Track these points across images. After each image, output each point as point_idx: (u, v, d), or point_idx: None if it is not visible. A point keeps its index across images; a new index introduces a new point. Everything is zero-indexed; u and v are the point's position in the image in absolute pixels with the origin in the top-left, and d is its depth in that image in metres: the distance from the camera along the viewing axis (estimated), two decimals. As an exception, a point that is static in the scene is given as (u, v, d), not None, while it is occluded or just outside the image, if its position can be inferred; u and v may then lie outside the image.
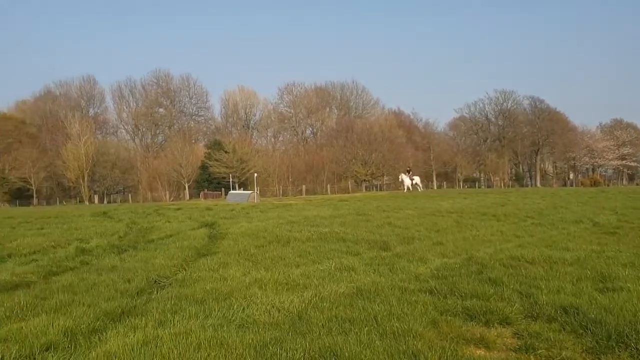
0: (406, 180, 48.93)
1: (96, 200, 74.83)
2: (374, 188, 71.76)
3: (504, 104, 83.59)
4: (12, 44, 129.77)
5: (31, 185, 75.79)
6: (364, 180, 70.80)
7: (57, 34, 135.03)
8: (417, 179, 50.50)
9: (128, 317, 4.69)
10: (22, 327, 4.26)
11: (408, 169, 53.35)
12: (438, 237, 10.02)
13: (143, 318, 4.55)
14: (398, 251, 8.32)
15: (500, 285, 5.63)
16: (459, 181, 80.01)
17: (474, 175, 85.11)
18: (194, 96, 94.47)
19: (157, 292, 5.80)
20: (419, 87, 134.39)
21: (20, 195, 75.86)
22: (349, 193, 55.58)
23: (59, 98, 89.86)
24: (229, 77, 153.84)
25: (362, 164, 71.04)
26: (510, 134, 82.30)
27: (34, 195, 76.51)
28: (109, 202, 74.43)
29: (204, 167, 71.27)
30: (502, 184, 76.56)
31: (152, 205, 36.87)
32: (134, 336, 3.97)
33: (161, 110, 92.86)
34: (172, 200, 62.67)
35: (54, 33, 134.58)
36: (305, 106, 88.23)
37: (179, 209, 24.94)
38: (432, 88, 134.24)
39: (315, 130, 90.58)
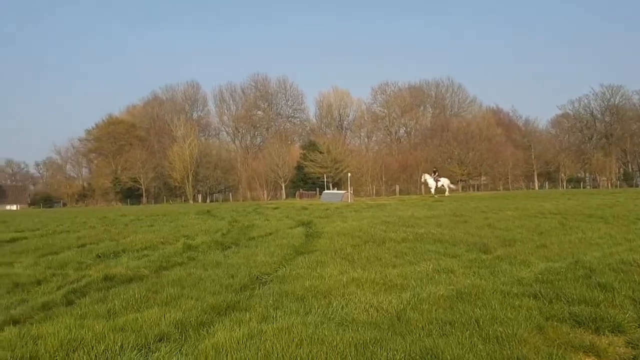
0: (430, 181, 43.14)
1: (199, 199, 78.51)
2: (471, 188, 69.75)
3: (611, 99, 78.10)
4: (124, 52, 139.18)
5: (141, 184, 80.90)
6: (460, 180, 68.92)
7: (164, 42, 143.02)
8: (444, 181, 44.62)
9: (233, 311, 4.89)
10: (138, 318, 4.56)
11: (434, 169, 47.86)
12: (541, 239, 9.58)
13: (247, 313, 4.73)
14: (499, 254, 8.05)
15: (610, 291, 5.30)
16: (562, 181, 75.72)
17: (579, 175, 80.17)
18: (290, 98, 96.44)
19: (259, 288, 6.01)
20: (518, 83, 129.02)
21: (131, 194, 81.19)
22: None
23: (166, 102, 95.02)
24: (324, 79, 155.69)
25: (458, 164, 69.29)
26: (619, 131, 76.78)
27: (143, 194, 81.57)
28: (211, 201, 77.77)
29: (299, 168, 72.57)
30: (609, 184, 71.61)
31: (251, 204, 38.13)
32: (239, 330, 4.14)
33: (259, 112, 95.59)
34: (270, 200, 64.46)
35: (162, 41, 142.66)
36: (399, 105, 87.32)
37: (276, 208, 25.58)
38: (532, 84, 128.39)
39: (409, 129, 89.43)
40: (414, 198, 36.36)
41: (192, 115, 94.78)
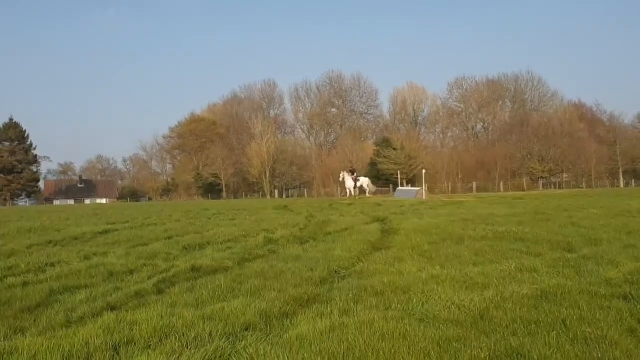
0: (349, 181, 40.32)
1: (276, 195, 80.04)
2: (552, 185, 66.90)
3: None
4: (205, 53, 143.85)
5: (221, 180, 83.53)
6: (541, 177, 66.26)
7: (244, 42, 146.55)
8: (363, 181, 41.82)
9: (314, 303, 4.99)
10: (224, 307, 4.75)
11: (352, 168, 44.30)
12: (630, 239, 9.08)
13: (328, 305, 4.82)
14: (584, 253, 7.72)
15: None
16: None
17: (668, 172, 75.04)
18: (364, 95, 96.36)
19: (338, 282, 6.09)
20: (602, 77, 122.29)
21: (212, 189, 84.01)
22: (523, 191, 52.41)
23: (244, 101, 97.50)
24: (398, 74, 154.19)
25: (538, 160, 66.66)
26: None
27: (223, 189, 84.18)
28: (286, 196, 79.03)
29: (372, 164, 72.36)
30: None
31: (326, 199, 38.45)
32: (321, 322, 4.23)
33: (333, 109, 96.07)
34: (343, 196, 64.73)
35: (242, 41, 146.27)
36: (476, 100, 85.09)
37: (350, 204, 25.70)
38: (616, 77, 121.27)
39: (486, 124, 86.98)
40: (492, 195, 35.35)
41: (269, 113, 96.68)
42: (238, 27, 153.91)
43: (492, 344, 3.67)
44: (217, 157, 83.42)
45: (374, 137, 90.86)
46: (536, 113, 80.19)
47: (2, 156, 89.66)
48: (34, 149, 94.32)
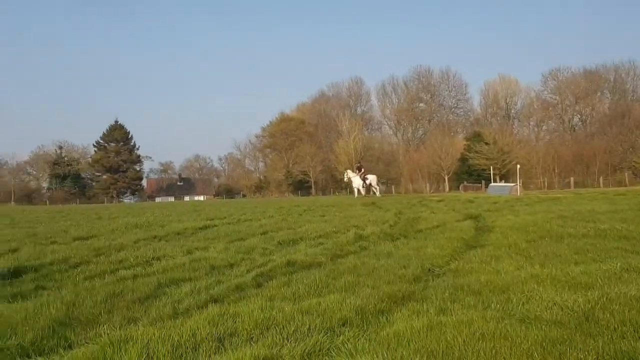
0: (355, 180, 37.22)
1: (363, 192, 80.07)
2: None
3: None
4: (293, 54, 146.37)
5: (310, 177, 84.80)
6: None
7: (332, 41, 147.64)
8: (372, 178, 38.52)
9: (409, 301, 4.98)
10: (320, 302, 4.85)
11: (358, 164, 40.23)
12: None
13: (424, 304, 4.79)
14: (700, 253, 7.16)
15: None
16: None
17: None
18: (453, 89, 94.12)
19: (433, 280, 6.04)
20: None
21: (302, 186, 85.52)
22: (625, 186, 48.99)
23: (332, 99, 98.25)
24: (489, 67, 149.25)
25: (642, 154, 62.14)
26: None
27: (312, 186, 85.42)
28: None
29: (463, 160, 70.57)
30: None
31: (414, 196, 37.97)
32: (418, 320, 4.22)
33: (421, 105, 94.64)
34: (432, 192, 63.56)
35: (329, 40, 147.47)
36: (573, 92, 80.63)
37: (440, 201, 25.22)
38: None
39: (584, 117, 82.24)
40: (591, 191, 33.42)
41: (356, 110, 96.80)
42: (325, 27, 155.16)
43: (600, 347, 3.51)
44: (306, 155, 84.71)
45: (465, 132, 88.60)
46: (639, 104, 74.78)
47: (109, 156, 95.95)
48: (138, 149, 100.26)
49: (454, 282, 5.74)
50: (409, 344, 3.70)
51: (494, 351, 3.53)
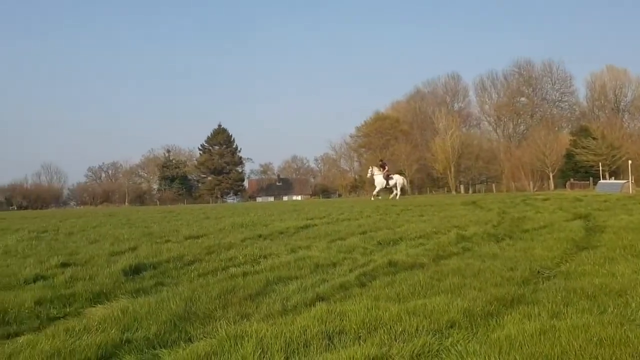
0: (378, 178, 34.24)
1: (462, 190, 78.18)
2: None
3: None
4: (387, 52, 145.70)
5: (406, 176, 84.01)
6: None
7: (427, 37, 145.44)
8: (397, 179, 35.24)
9: (518, 304, 4.84)
10: (426, 304, 4.83)
11: (381, 162, 36.42)
12: None
13: (535, 307, 4.64)
14: None
15: None
16: None
17: None
18: (557, 82, 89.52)
19: (542, 283, 5.82)
20: None
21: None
22: None
23: (427, 96, 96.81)
24: (595, 58, 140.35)
25: None
26: None
27: (408, 185, 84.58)
28: (473, 191, 76.77)
29: (568, 156, 67.04)
30: None
31: (517, 195, 36.53)
32: (529, 324, 4.10)
33: (523, 99, 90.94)
34: (536, 190, 60.83)
35: (424, 36, 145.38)
36: (693, 80, 73.99)
37: (546, 199, 24.11)
38: None
39: None
40: None
41: (453, 106, 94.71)
42: (420, 23, 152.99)
43: None
44: (401, 153, 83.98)
45: (570, 127, 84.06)
46: None
47: (213, 159, 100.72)
48: (239, 151, 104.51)
49: (566, 285, 5.51)
50: (521, 347, 3.61)
51: (613, 358, 3.37)
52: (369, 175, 37.42)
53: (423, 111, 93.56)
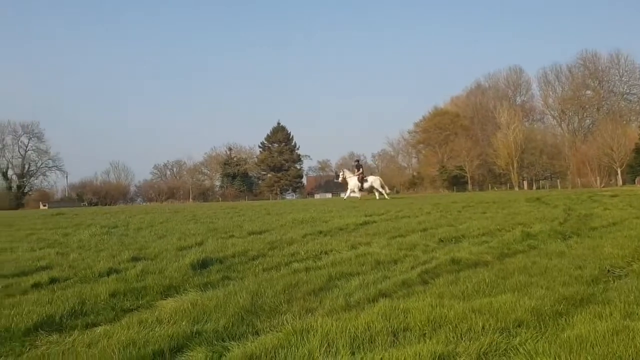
0: (351, 181, 32.55)
1: (525, 186, 76.01)
2: None
3: None
4: (445, 47, 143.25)
5: (466, 172, 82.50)
6: None
7: (485, 32, 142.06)
8: (373, 180, 33.21)
9: (588, 304, 4.70)
10: (492, 302, 4.76)
11: (356, 161, 34.85)
12: None
13: (606, 307, 4.50)
14: None
15: None
16: None
17: None
18: (625, 73, 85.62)
19: (613, 282, 5.63)
20: None
21: (457, 182, 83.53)
22: None
23: (488, 90, 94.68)
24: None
25: None
26: None
27: (469, 181, 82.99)
28: (537, 187, 74.54)
29: (638, 150, 64.05)
30: None
31: (583, 191, 35.23)
32: (601, 324, 3.99)
33: (588, 92, 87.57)
34: (603, 187, 58.37)
35: (483, 29, 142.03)
36: None
37: (614, 196, 23.15)
38: None
39: None
40: None
41: (515, 101, 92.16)
42: (479, 16, 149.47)
43: None
44: (461, 149, 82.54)
45: (639, 120, 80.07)
46: None
47: (273, 156, 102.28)
48: (298, 149, 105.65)
49: (639, 285, 5.31)
50: (592, 347, 3.53)
51: (693, 361, 3.24)
52: (340, 179, 35.58)
53: (484, 106, 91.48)
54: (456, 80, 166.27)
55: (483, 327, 4.08)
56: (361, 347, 3.80)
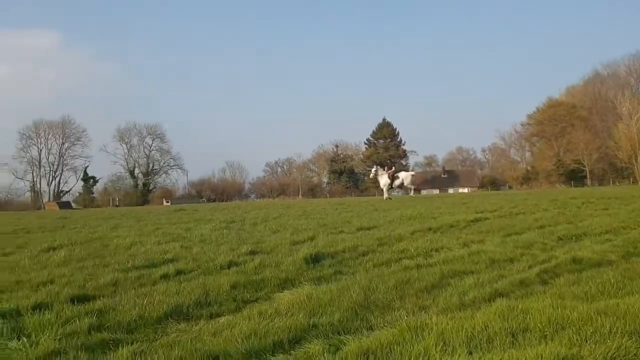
0: (382, 179, 30.79)
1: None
2: None
3: None
4: (557, 34, 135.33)
5: (584, 166, 77.51)
6: None
7: (602, 16, 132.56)
8: (404, 177, 31.41)
9: None
10: (618, 304, 4.48)
11: (389, 160, 29.91)
12: None
13: None
14: None
15: None
16: None
17: None
18: None
19: None
20: None
21: (574, 177, 78.76)
22: None
23: (607, 79, 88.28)
24: None
25: None
26: None
27: (587, 175, 77.91)
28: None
29: None
30: None
31: None
32: None
33: None
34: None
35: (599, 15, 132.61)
36: None
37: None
38: None
39: None
40: None
41: (638, 89, 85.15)
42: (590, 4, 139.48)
43: None
44: (579, 142, 77.69)
45: None
46: None
47: (378, 152, 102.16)
48: (404, 144, 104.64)
49: None
50: None
51: None
52: (372, 175, 34.61)
53: (603, 95, 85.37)
54: (570, 69, 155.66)
55: (610, 330, 3.87)
56: (478, 347, 3.74)
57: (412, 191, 34.22)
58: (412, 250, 8.20)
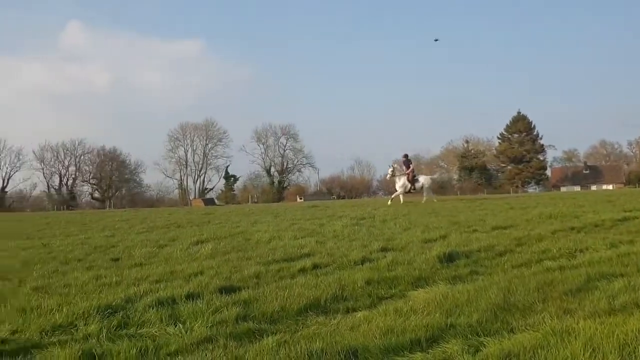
0: (399, 181, 26.95)
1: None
2: None
3: None
4: None
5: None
6: None
7: None
8: (423, 180, 27.36)
9: None
10: None
11: (405, 156, 26.88)
12: None
13: None
14: None
15: None
16: None
17: None
18: None
19: None
20: None
21: None
22: None
23: None
24: None
25: None
26: None
27: None
28: None
29: None
30: None
31: None
32: None
33: None
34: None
35: None
36: None
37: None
38: None
39: None
40: None
41: None
42: None
43: None
44: None
45: None
46: None
47: (513, 147, 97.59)
48: (541, 138, 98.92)
49: None
50: None
51: None
52: (388, 176, 29.39)
53: None
54: None
55: None
56: (632, 355, 3.49)
57: (429, 193, 28.31)
58: (554, 250, 7.79)
